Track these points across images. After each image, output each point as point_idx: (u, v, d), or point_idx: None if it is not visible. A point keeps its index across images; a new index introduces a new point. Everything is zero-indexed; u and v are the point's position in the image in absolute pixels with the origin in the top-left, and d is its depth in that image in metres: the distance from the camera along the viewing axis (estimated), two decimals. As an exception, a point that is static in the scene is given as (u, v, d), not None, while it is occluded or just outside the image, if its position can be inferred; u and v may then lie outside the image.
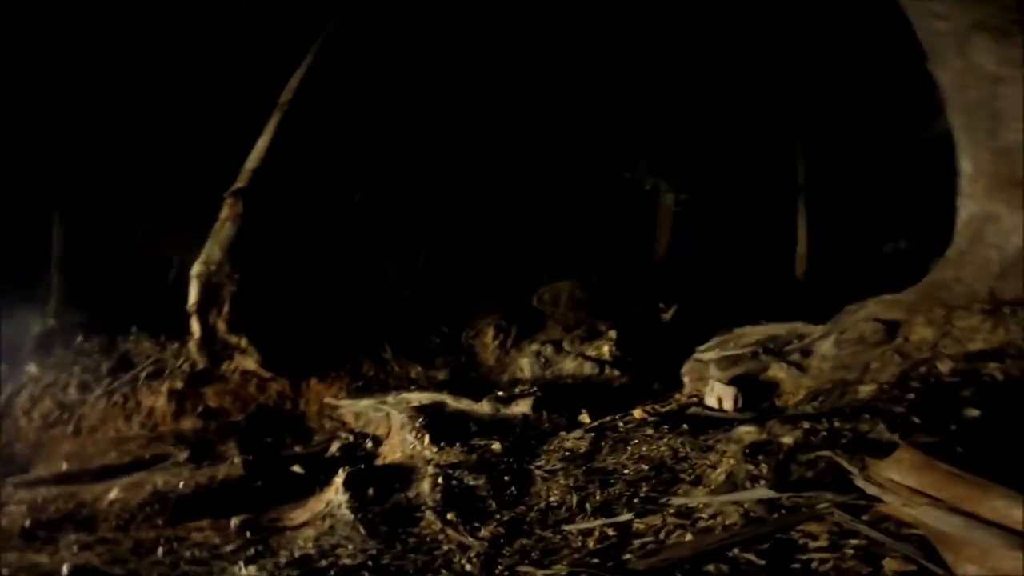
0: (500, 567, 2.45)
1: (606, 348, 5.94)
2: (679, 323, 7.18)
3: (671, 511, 2.32)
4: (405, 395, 5.19)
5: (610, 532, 2.36)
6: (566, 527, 2.62)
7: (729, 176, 8.69)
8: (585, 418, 4.47)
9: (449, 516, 3.16)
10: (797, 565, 1.66)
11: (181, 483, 3.98)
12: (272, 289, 6.04)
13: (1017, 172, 3.56)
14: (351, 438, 5.18)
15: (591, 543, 2.33)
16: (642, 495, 2.70)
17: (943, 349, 3.60)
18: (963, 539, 1.55)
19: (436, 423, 4.59)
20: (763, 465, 2.34)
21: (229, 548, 3.37)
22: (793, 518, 1.81)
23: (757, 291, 7.64)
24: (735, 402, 4.25)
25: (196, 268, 5.61)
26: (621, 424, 4.05)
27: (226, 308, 5.65)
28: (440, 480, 3.61)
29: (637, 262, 9.20)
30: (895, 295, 4.20)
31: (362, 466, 4.13)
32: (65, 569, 2.85)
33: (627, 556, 2.05)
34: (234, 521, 3.60)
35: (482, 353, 6.83)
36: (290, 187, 6.48)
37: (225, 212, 5.90)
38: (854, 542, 1.70)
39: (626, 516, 2.40)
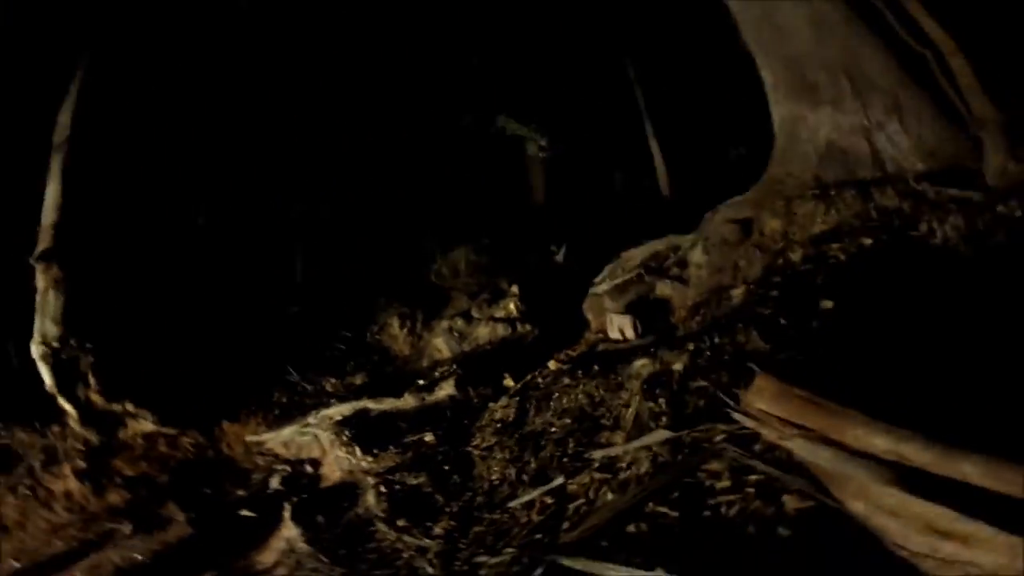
0: (458, 562, 2.59)
1: (512, 305, 6.11)
2: (572, 263, 7.50)
3: (595, 466, 2.53)
4: (325, 412, 5.08)
5: (548, 500, 2.55)
6: (511, 504, 2.79)
7: (584, 114, 9.01)
8: (509, 382, 4.64)
9: (399, 523, 3.25)
10: (708, 512, 1.81)
11: (138, 555, 3.82)
12: (140, 343, 5.56)
13: (808, 77, 4.03)
14: (288, 468, 5.04)
15: (534, 516, 2.51)
16: (570, 452, 2.90)
17: (792, 237, 4.12)
18: (841, 474, 1.59)
19: (363, 432, 4.58)
20: (661, 399, 2.60)
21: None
22: (695, 459, 2.02)
23: (632, 216, 8.14)
24: (635, 329, 4.61)
25: (35, 349, 5.02)
26: (540, 380, 4.26)
27: (91, 381, 5.18)
28: (382, 488, 3.67)
29: (519, 215, 9.41)
30: (742, 196, 4.68)
31: (304, 495, 4.09)
32: None
33: (565, 525, 2.24)
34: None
35: (393, 346, 6.78)
36: (113, 229, 5.85)
37: (41, 281, 5.25)
38: (753, 478, 1.82)
39: (558, 481, 2.59)
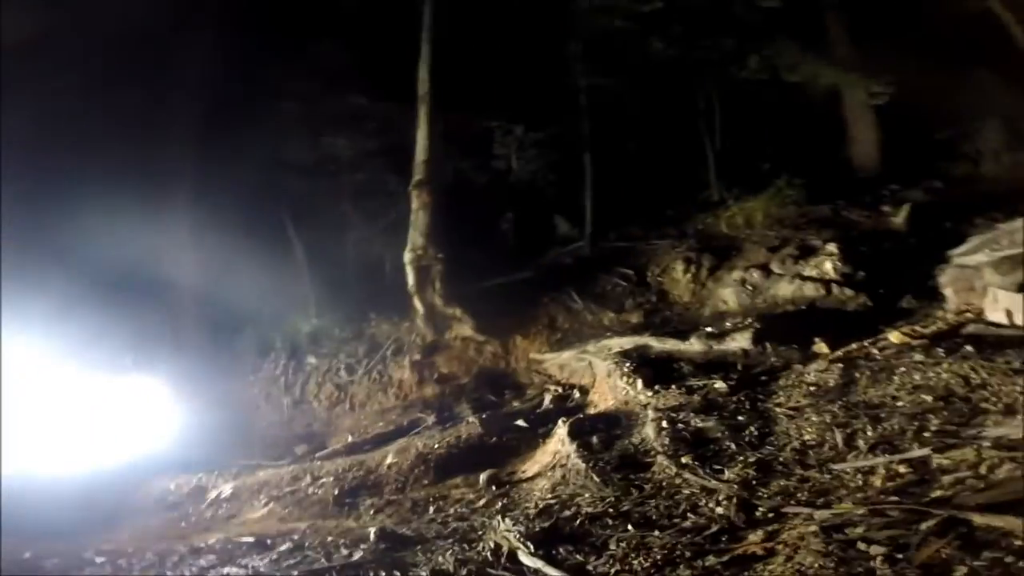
0: (761, 508, 2.29)
1: (829, 265, 5.22)
2: (916, 225, 6.05)
3: (987, 443, 1.92)
4: (605, 342, 5.17)
5: (900, 470, 2.05)
6: (835, 466, 2.35)
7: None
8: (822, 348, 3.99)
9: (684, 460, 3.06)
10: None
11: (436, 444, 4.46)
12: (466, 262, 6.53)
13: None
14: (560, 390, 5.34)
15: (877, 481, 2.05)
16: (933, 429, 2.30)
17: None
18: None
19: (644, 367, 4.49)
20: None
21: (481, 503, 3.67)
22: None
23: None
24: (1031, 311, 3.43)
25: (407, 256, 6.37)
26: (876, 352, 3.53)
27: (438, 285, 6.32)
28: (664, 424, 3.52)
29: (829, 166, 7.95)
30: None
31: (580, 415, 4.22)
32: (372, 534, 3.40)
33: (937, 493, 1.74)
34: (482, 477, 3.95)
35: (674, 290, 6.51)
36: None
37: (415, 203, 6.49)
38: None
39: (921, 451, 2.05)
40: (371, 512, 3.95)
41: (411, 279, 6.28)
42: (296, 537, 3.69)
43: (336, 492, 4.22)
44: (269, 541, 3.70)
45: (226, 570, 3.46)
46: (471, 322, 6.22)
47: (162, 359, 6.45)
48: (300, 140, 7.17)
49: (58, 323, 5.62)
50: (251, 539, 3.75)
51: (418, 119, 6.59)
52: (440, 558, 2.95)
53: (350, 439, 5.71)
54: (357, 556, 3.24)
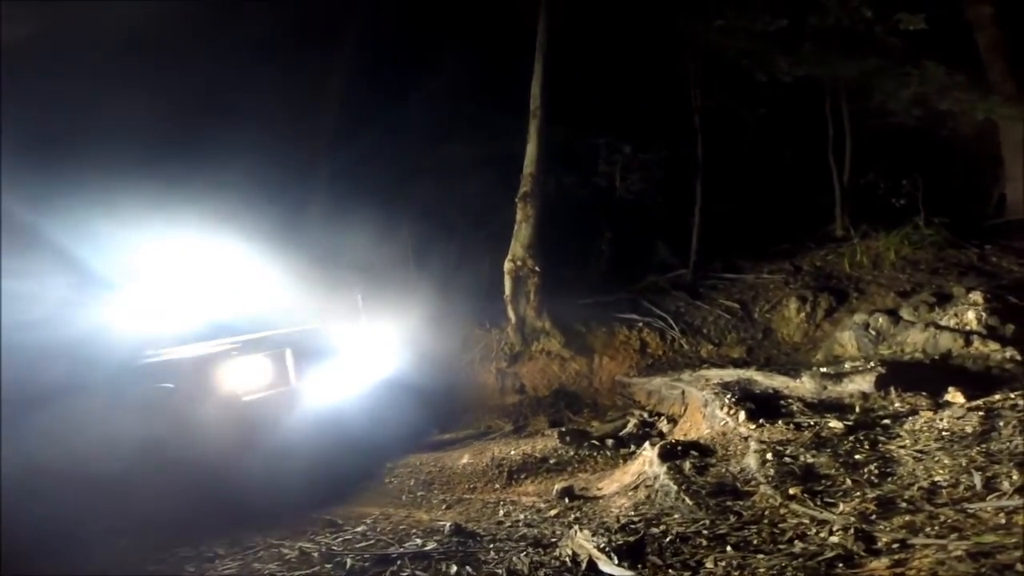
0: (883, 539, 2.26)
1: (971, 315, 4.97)
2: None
3: None
4: (703, 372, 5.15)
5: (1054, 510, 1.98)
6: (972, 506, 2.29)
7: None
8: (957, 397, 3.81)
9: (791, 491, 3.03)
10: None
11: (512, 451, 4.67)
12: (562, 278, 6.82)
13: None
14: (644, 415, 5.37)
15: (1021, 520, 1.99)
16: (1093, 475, 2.19)
17: None
18: None
19: (748, 399, 4.45)
20: None
21: (552, 513, 3.78)
22: None
23: None
24: None
25: (507, 265, 6.81)
26: (1022, 403, 3.36)
27: (532, 297, 6.74)
28: (769, 456, 3.49)
29: (975, 210, 7.52)
30: None
31: (672, 440, 4.24)
32: (446, 528, 3.60)
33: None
34: (555, 488, 4.06)
35: (783, 328, 6.39)
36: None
37: (519, 215, 6.95)
38: None
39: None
40: (443, 507, 4.15)
41: (507, 288, 6.67)
42: (368, 521, 3.93)
43: (411, 483, 4.45)
44: (340, 521, 3.96)
45: (299, 543, 3.75)
46: (560, 337, 6.46)
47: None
48: (421, 145, 7.75)
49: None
50: (325, 516, 4.02)
51: (528, 133, 6.99)
52: (515, 559, 3.06)
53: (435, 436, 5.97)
54: (430, 546, 3.41)
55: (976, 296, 5.24)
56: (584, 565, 2.84)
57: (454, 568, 3.02)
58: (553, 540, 3.19)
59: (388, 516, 4.08)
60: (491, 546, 3.30)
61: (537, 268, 6.63)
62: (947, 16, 6.95)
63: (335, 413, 4.65)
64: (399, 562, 3.11)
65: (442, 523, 3.64)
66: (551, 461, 4.69)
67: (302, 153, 7.22)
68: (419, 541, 3.49)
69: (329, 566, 3.02)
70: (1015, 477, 2.44)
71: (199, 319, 4.59)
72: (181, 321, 4.51)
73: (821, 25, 6.87)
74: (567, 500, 3.97)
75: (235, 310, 4.77)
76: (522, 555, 3.06)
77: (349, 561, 3.04)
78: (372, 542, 3.64)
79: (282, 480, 3.79)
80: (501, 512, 3.94)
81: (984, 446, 2.92)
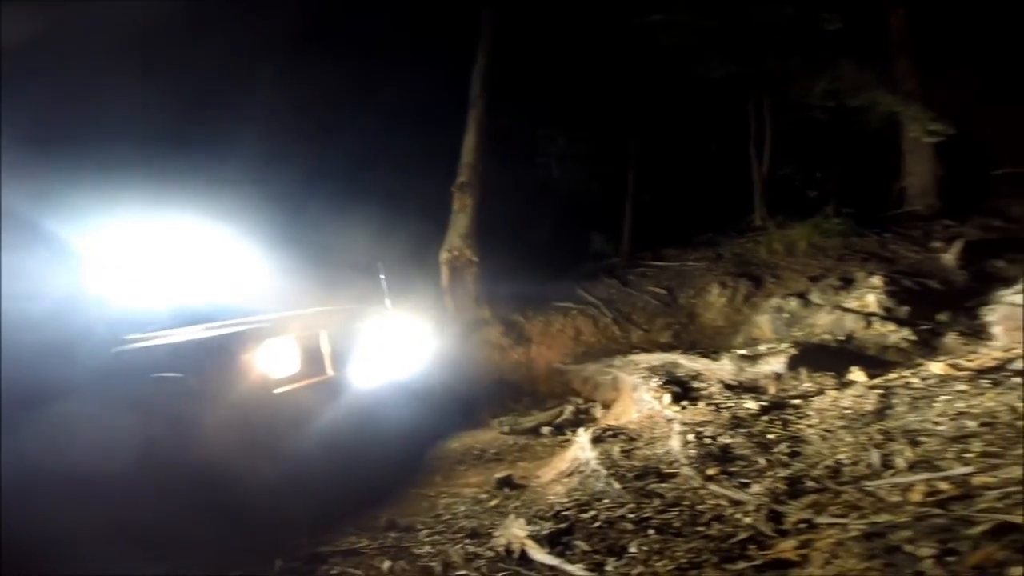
0: (791, 519, 2.30)
1: (872, 298, 5.21)
2: (967, 263, 6.01)
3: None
4: (633, 357, 5.21)
5: (943, 486, 2.05)
6: (870, 484, 2.36)
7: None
8: (859, 376, 3.98)
9: (710, 472, 3.08)
10: None
11: (453, 443, 4.60)
12: (500, 268, 6.70)
13: None
14: (580, 402, 5.38)
15: (916, 496, 2.06)
16: (976, 451, 2.30)
17: None
18: None
19: (672, 383, 4.51)
20: None
21: (492, 503, 3.71)
22: None
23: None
24: (1088, 351, 3.40)
25: (443, 255, 6.67)
26: (916, 381, 3.53)
27: (471, 287, 6.61)
28: (691, 437, 3.54)
29: (879, 200, 7.92)
30: None
31: (604, 426, 4.26)
32: (382, 522, 3.41)
33: (985, 505, 1.75)
34: (494, 478, 4.00)
35: (706, 313, 6.54)
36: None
37: (456, 204, 6.79)
38: None
39: (963, 469, 2.07)
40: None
41: (445, 278, 6.47)
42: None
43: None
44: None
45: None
46: (499, 327, 6.36)
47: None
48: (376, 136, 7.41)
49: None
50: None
51: (467, 123, 6.82)
52: (450, 551, 2.99)
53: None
54: (362, 543, 3.29)
55: (876, 280, 5.49)
56: (517, 554, 2.80)
57: (387, 563, 2.94)
58: (490, 531, 3.13)
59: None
60: (427, 539, 3.22)
61: (475, 258, 6.51)
62: (863, 17, 7.19)
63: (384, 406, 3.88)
64: (331, 559, 2.99)
65: (378, 518, 3.54)
66: (492, 451, 4.64)
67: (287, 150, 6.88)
68: (352, 538, 3.37)
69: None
70: (908, 454, 2.54)
71: (201, 298, 3.79)
72: (179, 300, 3.70)
73: (750, 23, 6.98)
74: (507, 489, 3.91)
75: (240, 293, 3.97)
76: (457, 547, 3.00)
77: (279, 562, 2.88)
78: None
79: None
80: (440, 505, 3.85)
81: (882, 424, 3.05)
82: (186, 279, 4.09)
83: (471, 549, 2.94)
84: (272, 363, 3.25)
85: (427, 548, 3.09)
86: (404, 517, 3.57)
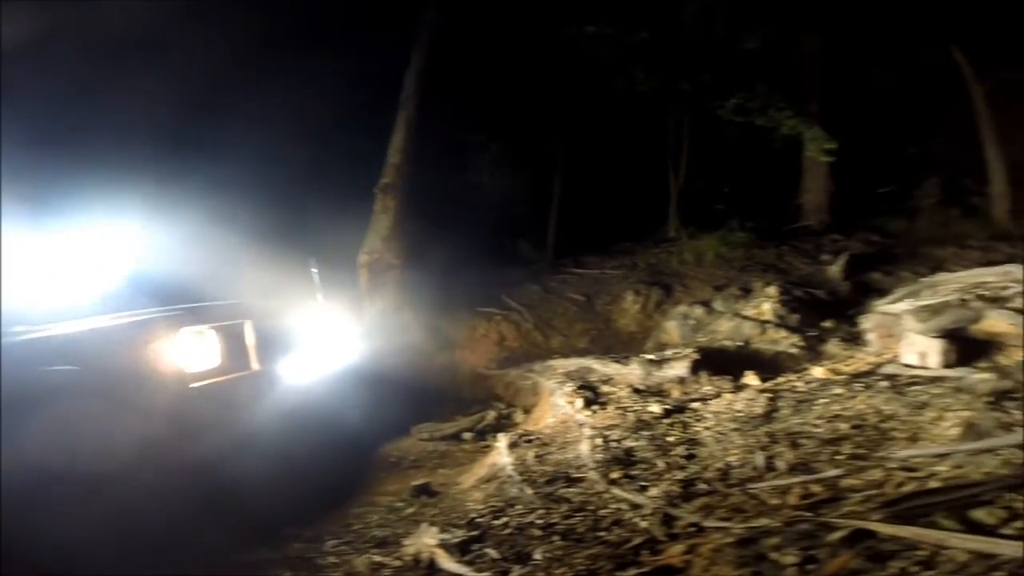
0: (681, 522, 2.38)
1: (767, 306, 5.53)
2: (850, 275, 6.52)
3: (893, 465, 2.09)
4: (551, 362, 5.27)
5: (815, 488, 2.19)
6: (754, 486, 2.49)
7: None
8: (752, 379, 4.21)
9: (613, 476, 3.15)
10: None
11: (376, 451, 4.45)
12: (424, 271, 6.54)
13: None
14: (503, 407, 5.39)
15: (792, 499, 2.18)
16: (846, 452, 2.48)
17: None
18: None
19: (585, 388, 4.59)
20: (1015, 412, 2.02)
21: (408, 511, 3.63)
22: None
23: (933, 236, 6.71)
24: (944, 357, 3.76)
25: (361, 258, 6.34)
26: (801, 385, 3.77)
27: (393, 291, 6.37)
28: (599, 441, 3.61)
29: (780, 215, 8.47)
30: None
31: (521, 431, 4.27)
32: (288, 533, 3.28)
33: (848, 508, 1.88)
34: (411, 485, 3.91)
35: (621, 319, 6.74)
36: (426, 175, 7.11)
37: (378, 205, 6.54)
38: None
39: (834, 472, 2.21)
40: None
41: (363, 282, 6.26)
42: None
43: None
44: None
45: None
46: (423, 332, 6.22)
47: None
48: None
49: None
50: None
51: (396, 124, 6.65)
52: (355, 561, 2.90)
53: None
54: (266, 555, 3.13)
55: (771, 290, 5.84)
56: (426, 564, 2.75)
57: (287, 574, 2.82)
58: (402, 540, 3.05)
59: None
60: (333, 550, 3.10)
61: (396, 261, 6.33)
62: (780, 39, 7.58)
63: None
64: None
65: (286, 529, 3.37)
66: (411, 459, 4.54)
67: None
68: (255, 550, 3.20)
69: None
70: (788, 456, 2.69)
71: (107, 288, 3.40)
72: (81, 290, 3.33)
73: (678, 40, 7.20)
74: (424, 497, 3.84)
75: (157, 281, 3.58)
76: (364, 557, 2.91)
77: None
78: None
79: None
80: (352, 514, 3.72)
81: (768, 426, 3.23)
82: (95, 270, 3.72)
83: (377, 559, 2.87)
84: (187, 355, 3.02)
85: (331, 559, 3.00)
86: (312, 527, 3.44)
